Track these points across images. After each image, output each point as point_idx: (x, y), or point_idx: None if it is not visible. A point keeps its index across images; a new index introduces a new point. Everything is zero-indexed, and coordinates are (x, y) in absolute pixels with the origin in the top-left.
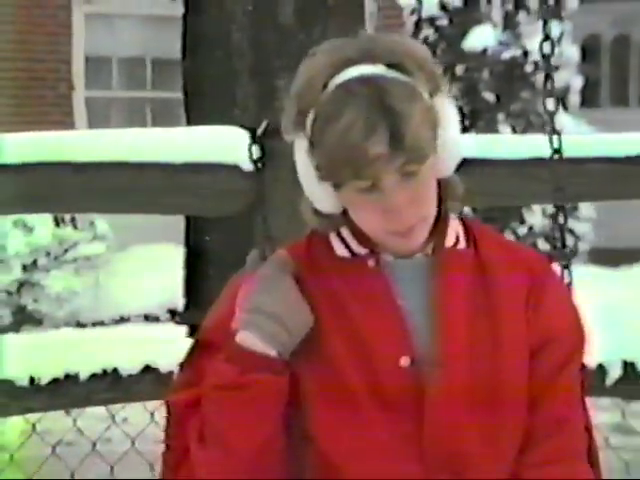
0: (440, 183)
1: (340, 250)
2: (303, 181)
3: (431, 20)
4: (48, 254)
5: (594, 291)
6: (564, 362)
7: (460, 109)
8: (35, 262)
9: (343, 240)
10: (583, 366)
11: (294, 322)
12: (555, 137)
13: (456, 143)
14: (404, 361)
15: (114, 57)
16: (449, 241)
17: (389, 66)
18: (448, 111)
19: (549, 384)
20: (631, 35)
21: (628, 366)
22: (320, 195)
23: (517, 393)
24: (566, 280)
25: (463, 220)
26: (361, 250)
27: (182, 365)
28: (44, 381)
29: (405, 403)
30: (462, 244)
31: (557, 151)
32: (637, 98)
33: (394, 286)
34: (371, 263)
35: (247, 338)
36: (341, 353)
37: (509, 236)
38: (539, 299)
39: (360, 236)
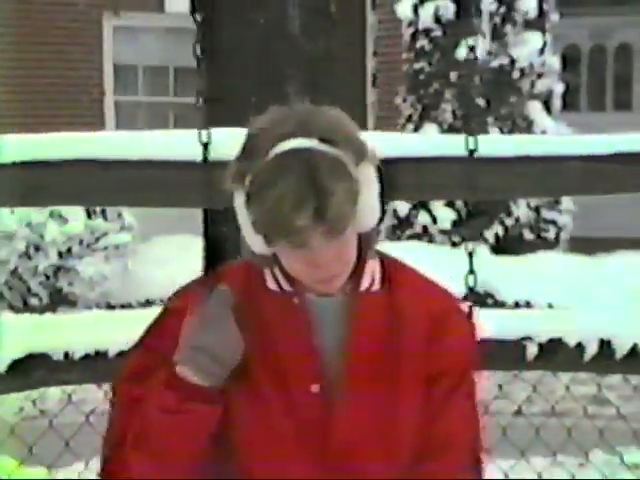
0: (360, 235)
1: (271, 284)
2: (241, 225)
3: (426, 32)
4: (81, 242)
5: (574, 277)
6: (455, 387)
7: (453, 112)
8: (70, 249)
9: (274, 275)
10: (474, 388)
11: (228, 356)
12: (471, 138)
13: (374, 206)
14: (314, 388)
15: (140, 65)
16: (365, 284)
17: (321, 140)
18: (369, 177)
19: (441, 407)
20: (606, 46)
21: (604, 344)
22: (255, 240)
23: (411, 419)
24: (469, 316)
25: (383, 261)
26: (288, 287)
27: (132, 352)
28: (77, 356)
29: (313, 424)
30: (376, 286)
31: (472, 152)
32: (613, 103)
33: (314, 322)
34: (296, 300)
35: (185, 372)
36: (263, 377)
37: (497, 227)
38: (438, 338)
39: (288, 275)
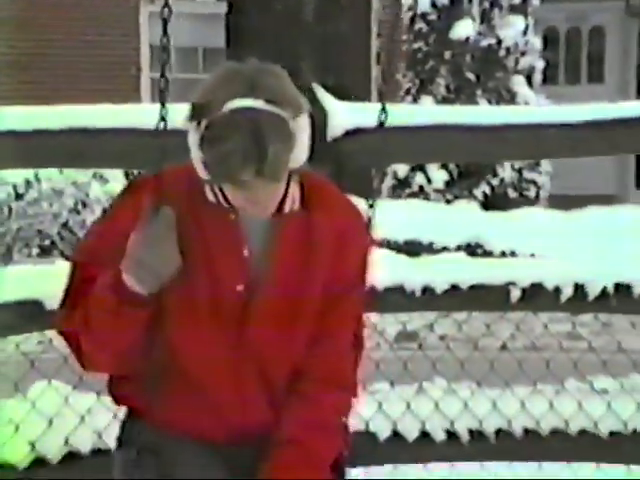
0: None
1: (210, 196)
2: (191, 154)
3: (424, 15)
4: None
5: (552, 229)
6: (346, 292)
7: (447, 86)
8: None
9: (213, 190)
10: (362, 297)
11: (166, 272)
12: (383, 113)
13: (304, 149)
14: (239, 287)
15: (172, 46)
16: (287, 207)
17: (267, 101)
18: (303, 126)
19: (331, 308)
20: (581, 28)
21: (578, 287)
22: (201, 170)
23: (311, 316)
24: (370, 218)
25: (303, 185)
26: (225, 204)
27: (89, 231)
28: None
29: (234, 317)
30: (296, 207)
31: (382, 124)
32: (587, 77)
33: (245, 236)
34: (232, 216)
35: (128, 280)
36: (196, 277)
37: (485, 187)
38: (340, 250)
39: (223, 193)
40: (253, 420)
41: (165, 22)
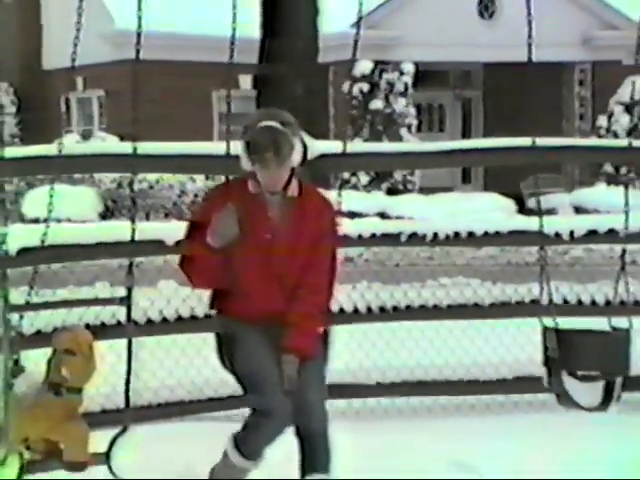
0: (292, 169)
1: (251, 188)
2: (240, 158)
3: (355, 96)
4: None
5: (421, 204)
6: (323, 237)
7: (369, 133)
8: None
9: (252, 184)
10: (334, 246)
11: (228, 236)
12: (342, 146)
13: (297, 156)
14: (267, 236)
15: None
16: (290, 192)
17: (280, 123)
18: (296, 141)
19: (316, 246)
20: (433, 104)
21: (435, 234)
22: (246, 164)
23: (304, 250)
24: (338, 202)
25: (300, 182)
26: (258, 190)
27: (194, 211)
28: None
29: (265, 252)
30: (296, 193)
31: (339, 153)
32: (437, 129)
33: (269, 207)
34: (261, 197)
35: (211, 241)
36: (246, 234)
37: (387, 183)
38: (320, 217)
39: (258, 183)
40: (276, 310)
41: (229, 104)
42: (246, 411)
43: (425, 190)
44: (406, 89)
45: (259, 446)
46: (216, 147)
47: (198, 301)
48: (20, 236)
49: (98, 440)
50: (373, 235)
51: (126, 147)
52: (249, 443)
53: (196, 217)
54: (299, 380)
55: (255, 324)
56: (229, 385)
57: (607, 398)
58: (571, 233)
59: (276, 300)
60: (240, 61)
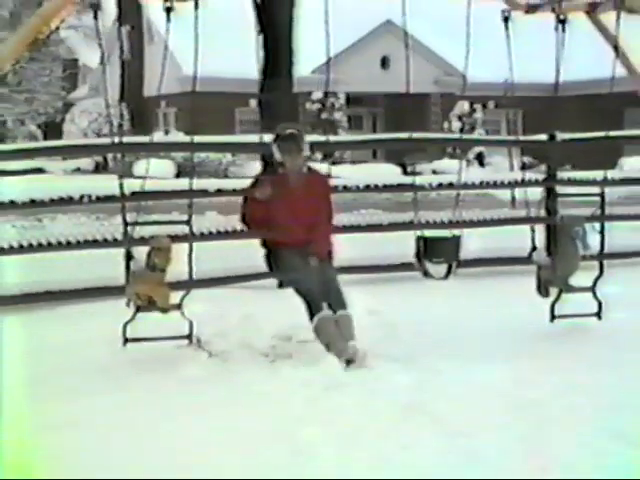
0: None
1: (283, 170)
2: (274, 153)
3: (320, 110)
4: None
5: (354, 172)
6: (325, 197)
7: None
8: None
9: (283, 170)
10: (331, 203)
11: (265, 195)
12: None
13: (306, 148)
14: (293, 197)
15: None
16: (302, 170)
17: (297, 130)
18: (305, 141)
19: (322, 203)
20: (362, 114)
21: (369, 186)
22: (277, 155)
23: (315, 205)
24: (328, 173)
25: (309, 166)
26: (287, 172)
27: (249, 189)
28: None
29: (293, 210)
30: (306, 171)
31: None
32: (370, 129)
33: (292, 181)
34: (287, 176)
35: (259, 196)
36: (280, 196)
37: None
38: (322, 187)
39: (285, 169)
40: (300, 239)
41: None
42: (272, 282)
43: (354, 162)
44: (341, 107)
45: (314, 302)
46: (236, 138)
47: (226, 222)
48: (131, 184)
49: (175, 296)
50: (345, 187)
51: (187, 139)
52: (311, 306)
53: (252, 185)
54: (318, 268)
55: (289, 248)
56: (256, 267)
57: (448, 273)
58: (430, 184)
59: (299, 234)
60: (249, 91)
